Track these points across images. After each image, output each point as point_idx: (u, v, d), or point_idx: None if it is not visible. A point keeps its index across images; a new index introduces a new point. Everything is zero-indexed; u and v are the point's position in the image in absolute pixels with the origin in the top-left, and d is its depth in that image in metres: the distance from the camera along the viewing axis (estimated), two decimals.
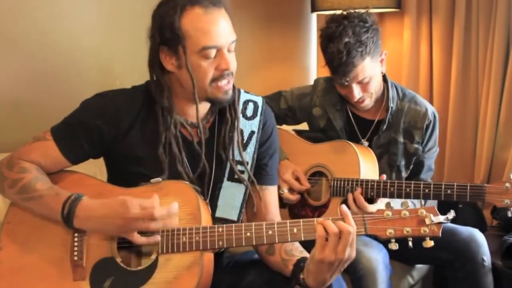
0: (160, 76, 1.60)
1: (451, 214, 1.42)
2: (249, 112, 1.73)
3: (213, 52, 1.53)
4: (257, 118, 1.73)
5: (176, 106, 1.62)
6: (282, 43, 3.24)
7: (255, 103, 1.75)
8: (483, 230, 2.69)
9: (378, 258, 2.01)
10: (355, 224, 1.42)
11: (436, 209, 1.45)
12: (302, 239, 1.47)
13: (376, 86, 2.10)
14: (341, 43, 1.96)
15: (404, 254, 2.17)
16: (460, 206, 2.74)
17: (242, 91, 1.74)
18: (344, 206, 1.45)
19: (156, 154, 1.58)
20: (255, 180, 1.70)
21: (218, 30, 1.53)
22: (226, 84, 1.57)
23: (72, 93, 2.29)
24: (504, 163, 2.88)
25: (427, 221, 1.43)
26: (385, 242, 1.46)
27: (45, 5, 2.19)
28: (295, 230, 1.46)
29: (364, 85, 2.06)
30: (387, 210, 1.45)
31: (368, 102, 2.12)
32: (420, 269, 2.41)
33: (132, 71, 2.44)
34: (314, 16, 3.32)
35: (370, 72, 2.03)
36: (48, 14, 2.21)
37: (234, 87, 1.65)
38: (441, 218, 1.42)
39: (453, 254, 2.12)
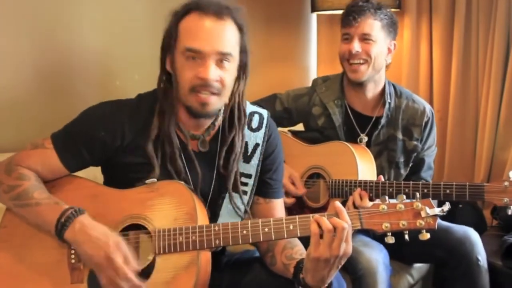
0: (164, 78, 1.61)
1: (446, 206, 1.42)
2: (255, 124, 1.71)
3: (196, 57, 1.50)
4: (262, 130, 1.71)
5: (179, 115, 1.61)
6: (282, 43, 3.24)
7: (260, 115, 1.73)
8: (483, 230, 2.70)
9: (378, 259, 2.02)
10: (350, 219, 1.41)
11: (431, 201, 1.45)
12: (298, 235, 1.47)
13: (378, 62, 2.14)
14: None
15: (401, 253, 2.18)
16: (460, 206, 2.74)
17: (247, 102, 1.71)
18: (338, 203, 1.44)
19: (157, 161, 1.57)
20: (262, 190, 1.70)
21: (206, 34, 1.50)
22: (205, 98, 1.52)
23: (72, 94, 2.30)
24: (504, 163, 2.88)
25: (423, 214, 1.43)
26: (382, 236, 1.45)
27: (46, 5, 2.19)
28: (291, 227, 1.46)
29: (366, 45, 2.11)
30: (383, 204, 1.45)
31: (364, 70, 2.13)
32: (420, 268, 2.41)
33: (132, 72, 2.45)
34: (314, 16, 3.32)
35: (376, 36, 2.11)
36: (49, 15, 2.20)
37: (244, 113, 1.64)
38: (436, 210, 1.43)
39: (448, 253, 2.13)
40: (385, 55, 2.17)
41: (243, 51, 1.59)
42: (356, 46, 2.10)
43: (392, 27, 2.18)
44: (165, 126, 1.58)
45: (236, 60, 1.57)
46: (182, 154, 1.60)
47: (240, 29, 1.56)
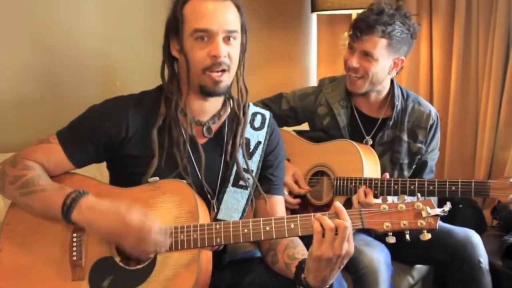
0: (169, 63, 1.65)
1: (447, 206, 1.43)
2: (257, 123, 1.75)
3: (205, 36, 1.55)
4: (264, 130, 1.75)
5: (185, 100, 1.63)
6: (282, 43, 3.24)
7: (263, 116, 1.77)
8: (483, 230, 2.70)
9: (379, 258, 2.01)
10: (351, 218, 1.41)
11: (432, 201, 1.45)
12: (300, 234, 1.47)
13: (377, 77, 2.10)
14: (379, 8, 2.05)
15: (401, 255, 2.18)
16: (460, 206, 2.74)
17: (251, 104, 1.76)
18: (338, 203, 1.44)
19: (162, 155, 1.59)
20: (259, 186, 1.71)
21: (213, 14, 1.55)
22: (219, 76, 1.57)
23: (72, 93, 2.30)
24: (504, 163, 2.88)
25: (424, 214, 1.43)
26: (383, 236, 1.45)
27: (46, 6, 2.19)
28: (292, 226, 1.47)
29: (365, 61, 2.07)
30: (384, 203, 1.45)
31: (360, 85, 2.11)
32: (420, 269, 2.41)
33: (132, 72, 2.45)
34: (314, 16, 3.32)
35: (378, 55, 2.05)
36: (50, 15, 2.20)
37: (245, 89, 1.68)
38: (437, 210, 1.43)
39: (449, 256, 2.12)
40: (389, 69, 2.11)
41: (243, 30, 1.65)
42: (355, 62, 2.07)
43: (404, 43, 2.08)
44: (171, 110, 1.61)
45: (239, 37, 1.62)
46: (187, 140, 1.62)
47: (239, 9, 1.62)
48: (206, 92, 1.60)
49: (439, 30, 3.02)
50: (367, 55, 2.06)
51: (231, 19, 1.58)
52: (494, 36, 2.84)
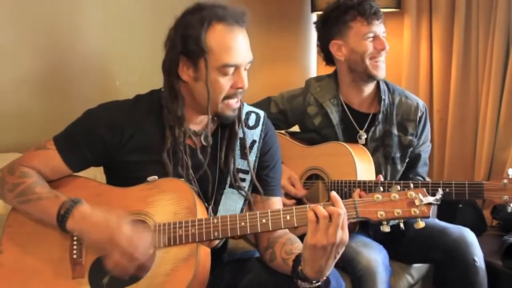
0: (175, 84, 1.61)
1: (439, 194, 1.44)
2: (251, 122, 1.75)
3: (231, 70, 1.57)
4: (259, 128, 1.76)
5: (187, 121, 1.64)
6: (282, 43, 3.24)
7: (257, 114, 1.78)
8: (483, 230, 2.70)
9: (378, 259, 2.01)
10: (346, 208, 1.43)
11: (425, 190, 1.47)
12: (295, 225, 1.48)
13: None
14: None
15: (399, 254, 2.18)
16: (460, 206, 2.74)
17: (244, 103, 1.76)
18: (334, 192, 1.46)
19: (157, 159, 1.60)
20: (259, 187, 1.72)
21: (239, 48, 1.57)
22: (236, 103, 1.62)
23: (72, 93, 2.31)
24: (504, 163, 2.88)
25: (417, 202, 1.44)
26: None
27: (47, 6, 2.20)
28: (288, 217, 1.48)
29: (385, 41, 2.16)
30: (377, 193, 1.47)
31: (384, 64, 2.16)
32: (420, 268, 2.41)
33: (133, 72, 2.46)
34: (314, 16, 3.32)
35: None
36: (50, 15, 2.21)
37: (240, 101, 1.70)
38: (430, 198, 1.44)
39: (444, 254, 2.12)
40: None
41: None
42: (386, 44, 2.13)
43: None
44: (179, 134, 1.62)
45: None
46: (188, 150, 1.64)
47: (247, 27, 1.62)
48: (223, 119, 1.64)
49: (439, 30, 3.02)
50: (383, 36, 2.14)
51: (249, 48, 1.61)
52: (494, 36, 2.84)
